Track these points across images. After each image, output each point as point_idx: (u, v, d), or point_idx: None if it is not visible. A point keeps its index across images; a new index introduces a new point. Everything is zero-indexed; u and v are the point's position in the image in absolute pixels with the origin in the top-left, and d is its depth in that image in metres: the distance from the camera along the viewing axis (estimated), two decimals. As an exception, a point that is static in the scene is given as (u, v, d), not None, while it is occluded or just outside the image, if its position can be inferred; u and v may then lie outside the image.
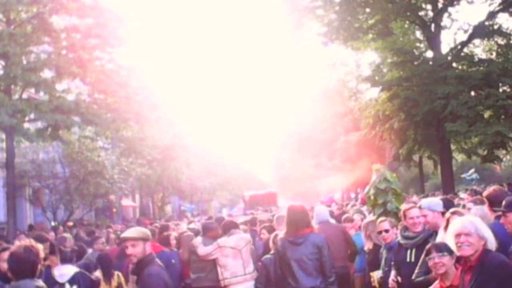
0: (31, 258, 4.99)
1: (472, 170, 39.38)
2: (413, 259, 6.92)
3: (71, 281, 7.45)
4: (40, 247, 5.14)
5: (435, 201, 7.34)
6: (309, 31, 30.60)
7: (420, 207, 7.13)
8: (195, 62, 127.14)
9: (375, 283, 7.80)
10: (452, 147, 29.05)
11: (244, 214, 24.12)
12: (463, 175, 39.61)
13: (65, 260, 7.84)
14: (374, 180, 10.45)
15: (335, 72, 52.27)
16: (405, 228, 7.20)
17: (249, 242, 9.72)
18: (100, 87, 23.58)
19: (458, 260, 5.14)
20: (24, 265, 4.98)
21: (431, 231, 6.98)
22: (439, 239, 6.30)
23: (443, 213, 6.87)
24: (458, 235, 4.92)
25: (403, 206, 7.61)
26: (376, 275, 7.76)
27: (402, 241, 7.18)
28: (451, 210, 6.36)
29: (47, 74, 23.18)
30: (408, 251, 7.04)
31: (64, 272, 7.54)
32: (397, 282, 7.06)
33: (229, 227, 9.74)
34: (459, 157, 37.82)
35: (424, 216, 7.01)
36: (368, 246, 8.96)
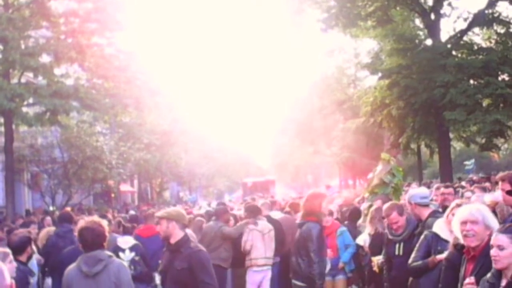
0: (99, 232, 5.60)
1: (473, 161, 39.42)
2: (401, 253, 7.16)
3: (131, 248, 9.30)
4: (104, 222, 5.75)
5: (412, 192, 7.50)
6: (308, 18, 30.52)
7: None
8: (194, 48, 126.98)
9: (376, 268, 7.86)
10: (451, 135, 29.06)
11: (243, 201, 24.17)
12: (465, 162, 39.66)
13: (126, 232, 10.52)
14: (380, 170, 10.46)
15: (334, 59, 52.17)
16: None
17: (272, 229, 10.72)
18: (99, 72, 23.57)
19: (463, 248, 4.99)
20: (95, 238, 5.57)
21: (416, 224, 7.13)
22: (436, 227, 6.33)
23: (423, 204, 7.05)
24: (464, 223, 4.79)
25: (385, 206, 7.70)
26: (377, 259, 7.83)
27: (390, 237, 7.39)
28: (456, 201, 6.34)
29: (45, 58, 23.15)
30: (397, 245, 7.25)
31: (127, 240, 9.52)
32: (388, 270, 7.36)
33: (255, 211, 10.86)
34: (457, 145, 37.84)
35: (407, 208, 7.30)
36: (370, 231, 9.03)
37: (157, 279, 6.06)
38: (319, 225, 7.43)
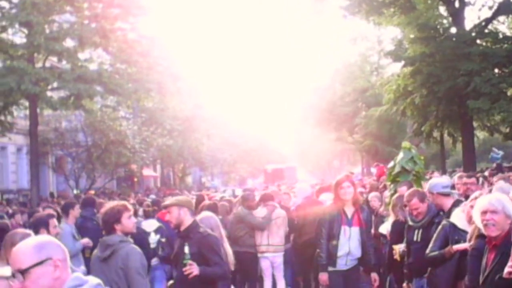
0: (109, 216, 5.78)
1: (502, 153, 38.97)
2: (419, 239, 7.22)
3: (156, 231, 10.08)
4: (121, 206, 5.90)
5: (434, 182, 7.56)
6: (331, 5, 30.41)
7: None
8: (216, 34, 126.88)
9: (397, 256, 7.88)
10: (474, 124, 28.82)
11: (265, 187, 24.22)
12: (494, 149, 39.24)
13: (147, 216, 10.99)
14: (402, 158, 10.45)
15: (357, 47, 51.90)
16: None
17: (281, 216, 10.81)
18: (122, 57, 23.67)
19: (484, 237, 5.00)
20: (104, 222, 5.81)
21: (437, 211, 7.19)
22: (454, 217, 6.34)
23: (445, 193, 7.07)
24: (484, 213, 4.79)
25: (406, 192, 7.77)
26: (399, 248, 7.84)
27: (410, 223, 7.45)
28: (476, 193, 6.33)
29: (69, 43, 23.31)
30: (416, 231, 7.31)
31: (151, 223, 10.30)
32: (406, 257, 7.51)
33: (265, 199, 11.01)
34: (480, 134, 37.51)
35: (429, 197, 7.32)
36: (390, 220, 9.06)
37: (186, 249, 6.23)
38: (335, 211, 7.75)
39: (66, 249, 3.23)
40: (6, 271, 3.00)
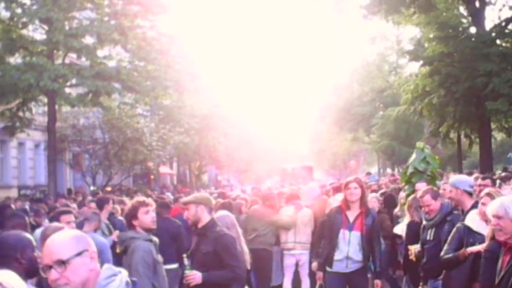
0: (126, 214, 6.11)
1: None
2: (431, 238, 7.25)
3: None
4: (136, 202, 6.15)
5: (462, 178, 7.52)
6: (350, 4, 30.36)
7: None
8: (234, 33, 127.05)
9: (412, 257, 7.89)
10: (492, 125, 28.61)
11: (281, 186, 24.19)
12: None
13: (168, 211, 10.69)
14: (414, 158, 10.45)
15: (375, 46, 51.71)
16: None
17: (307, 214, 10.95)
18: (141, 54, 23.74)
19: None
20: (126, 221, 6.17)
21: (450, 209, 7.17)
22: (468, 219, 6.33)
23: (470, 193, 7.05)
24: (492, 217, 4.84)
25: (419, 193, 7.77)
26: (414, 248, 7.85)
27: (424, 222, 7.49)
28: (485, 191, 6.31)
29: (88, 40, 23.43)
30: (429, 231, 7.35)
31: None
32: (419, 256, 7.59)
33: (291, 198, 11.18)
34: (498, 135, 37.25)
35: (450, 191, 7.31)
36: (406, 220, 9.06)
37: (186, 261, 6.24)
38: (337, 214, 7.95)
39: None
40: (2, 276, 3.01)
